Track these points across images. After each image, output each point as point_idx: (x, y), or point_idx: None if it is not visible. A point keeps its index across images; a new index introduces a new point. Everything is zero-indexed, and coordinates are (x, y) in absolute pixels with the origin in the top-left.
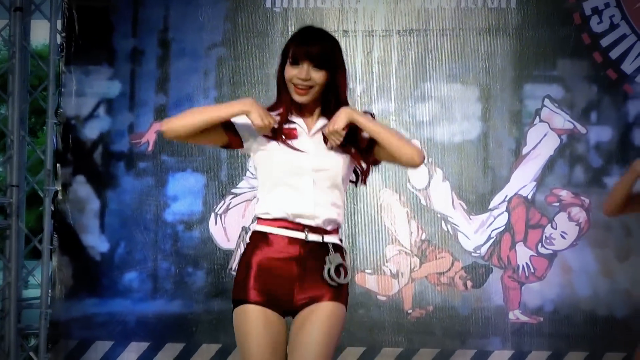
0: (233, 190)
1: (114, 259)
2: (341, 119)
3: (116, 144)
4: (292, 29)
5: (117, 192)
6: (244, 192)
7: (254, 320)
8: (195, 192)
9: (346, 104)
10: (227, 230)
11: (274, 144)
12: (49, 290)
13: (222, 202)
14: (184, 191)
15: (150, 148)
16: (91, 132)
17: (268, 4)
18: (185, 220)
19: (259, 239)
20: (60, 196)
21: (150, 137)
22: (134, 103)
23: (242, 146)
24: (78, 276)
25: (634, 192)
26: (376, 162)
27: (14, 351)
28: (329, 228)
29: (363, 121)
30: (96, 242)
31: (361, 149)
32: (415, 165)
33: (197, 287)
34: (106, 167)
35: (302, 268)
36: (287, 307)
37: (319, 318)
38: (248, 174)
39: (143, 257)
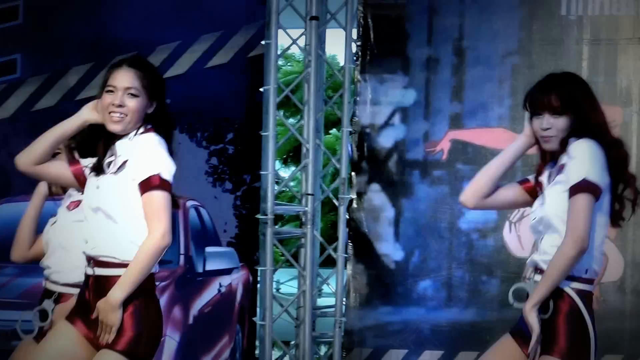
0: None
1: (409, 267)
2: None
3: (411, 152)
4: (587, 37)
5: (411, 201)
6: None
7: None
8: None
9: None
10: (522, 239)
11: None
12: (344, 299)
13: (517, 210)
14: None
15: (444, 156)
16: (386, 140)
17: (563, 11)
18: (479, 228)
19: None
20: (355, 204)
21: (444, 145)
22: (429, 111)
23: None
24: (372, 284)
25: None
26: None
27: (308, 359)
28: None
29: None
30: (391, 250)
31: None
32: None
33: (491, 296)
34: (401, 176)
35: None
36: None
37: None
38: None
39: (437, 266)
